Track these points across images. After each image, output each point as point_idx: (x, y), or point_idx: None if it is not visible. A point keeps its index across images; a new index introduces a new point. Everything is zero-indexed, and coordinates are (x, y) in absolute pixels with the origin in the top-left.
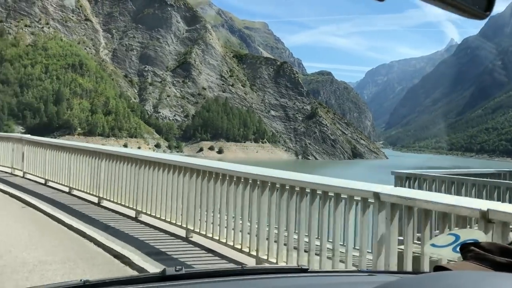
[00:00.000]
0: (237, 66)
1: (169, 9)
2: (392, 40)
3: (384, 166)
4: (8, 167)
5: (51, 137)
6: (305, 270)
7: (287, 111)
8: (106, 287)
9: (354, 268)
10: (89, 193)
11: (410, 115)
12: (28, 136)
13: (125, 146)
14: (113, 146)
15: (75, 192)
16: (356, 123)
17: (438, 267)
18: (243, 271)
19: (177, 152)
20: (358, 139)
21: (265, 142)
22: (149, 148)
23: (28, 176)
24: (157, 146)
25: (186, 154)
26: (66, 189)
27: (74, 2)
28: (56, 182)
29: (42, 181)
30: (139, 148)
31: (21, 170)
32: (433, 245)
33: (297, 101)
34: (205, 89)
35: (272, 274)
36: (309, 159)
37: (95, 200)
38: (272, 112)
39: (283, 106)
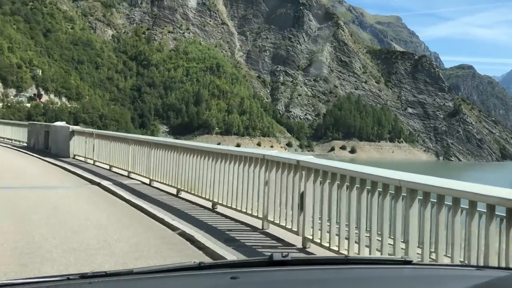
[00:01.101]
0: (371, 62)
1: (301, 8)
2: None
3: None
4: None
5: (192, 136)
6: (409, 262)
7: (426, 108)
8: (219, 268)
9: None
10: (168, 185)
11: None
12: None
13: (259, 145)
14: (247, 145)
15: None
16: (503, 121)
17: None
18: (347, 260)
19: (308, 151)
20: (508, 138)
21: (402, 141)
22: (281, 147)
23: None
24: (289, 145)
25: (317, 153)
26: (147, 181)
27: (195, 4)
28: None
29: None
30: (271, 147)
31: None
32: None
33: (438, 97)
34: (336, 87)
35: (376, 264)
36: (451, 160)
37: (174, 191)
38: (409, 110)
39: (421, 103)
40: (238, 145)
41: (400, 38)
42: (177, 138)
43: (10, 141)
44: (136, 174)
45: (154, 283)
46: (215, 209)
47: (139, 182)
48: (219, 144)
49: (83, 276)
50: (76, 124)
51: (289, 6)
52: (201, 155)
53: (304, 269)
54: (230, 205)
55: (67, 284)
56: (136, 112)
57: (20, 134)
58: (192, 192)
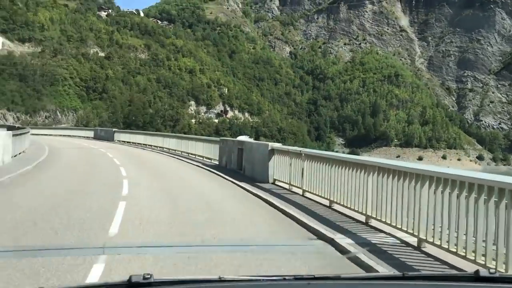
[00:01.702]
0: None
1: (492, 6)
2: None
3: None
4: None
5: (369, 149)
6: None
7: None
8: (239, 282)
9: None
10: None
11: None
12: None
13: (444, 158)
14: (431, 158)
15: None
16: None
17: None
18: (403, 277)
19: (504, 165)
20: None
21: None
22: (470, 161)
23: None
24: (479, 158)
25: None
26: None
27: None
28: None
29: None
30: (458, 160)
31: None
32: None
33: None
34: None
35: (438, 281)
36: None
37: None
38: None
39: None
40: (420, 158)
41: None
42: (353, 151)
43: (201, 158)
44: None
45: None
46: None
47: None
48: (398, 157)
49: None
50: (257, 137)
51: (477, 6)
52: None
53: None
54: None
55: None
56: (312, 125)
57: (211, 151)
58: None
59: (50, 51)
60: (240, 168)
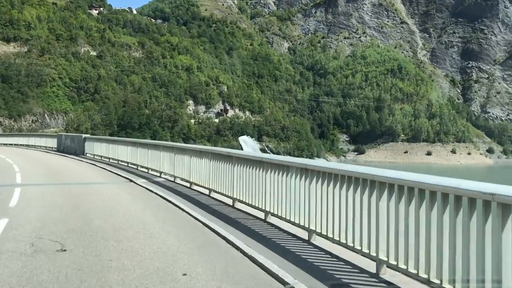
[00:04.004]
0: None
1: None
2: None
3: None
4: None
5: (375, 144)
6: None
7: None
8: None
9: None
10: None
11: None
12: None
13: (453, 152)
14: (440, 152)
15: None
16: None
17: None
18: None
19: None
20: None
21: None
22: (481, 154)
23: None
24: (490, 151)
25: None
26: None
27: None
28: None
29: None
30: (468, 154)
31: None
32: None
33: None
34: None
35: None
36: None
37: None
38: None
39: None
40: (429, 153)
41: None
42: (358, 148)
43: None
44: None
45: None
46: None
47: None
48: (406, 152)
49: None
50: (259, 137)
51: None
52: None
53: None
54: None
55: None
56: (315, 122)
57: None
58: None
59: (37, 50)
60: None
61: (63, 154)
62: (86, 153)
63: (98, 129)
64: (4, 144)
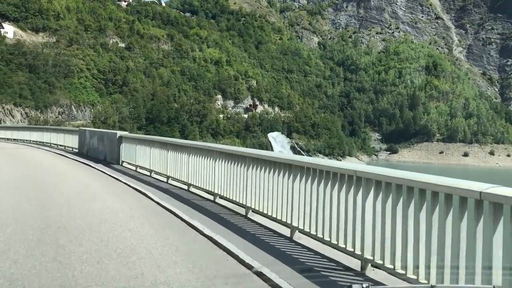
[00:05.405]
0: None
1: None
2: None
3: None
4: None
5: (409, 144)
6: None
7: None
8: None
9: None
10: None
11: None
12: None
13: (491, 153)
14: (477, 154)
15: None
16: None
17: None
18: None
19: None
20: None
21: None
22: None
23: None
24: None
25: None
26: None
27: None
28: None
29: None
30: (508, 156)
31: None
32: None
33: None
34: None
35: None
36: None
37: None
38: None
39: None
40: (466, 154)
41: None
42: (391, 147)
43: None
44: None
45: None
46: None
47: None
48: (441, 153)
49: None
50: (289, 133)
51: None
52: None
53: None
54: None
55: None
56: (345, 119)
57: None
58: None
59: (65, 40)
60: None
61: (86, 161)
62: (123, 162)
63: (126, 122)
64: (7, 139)
